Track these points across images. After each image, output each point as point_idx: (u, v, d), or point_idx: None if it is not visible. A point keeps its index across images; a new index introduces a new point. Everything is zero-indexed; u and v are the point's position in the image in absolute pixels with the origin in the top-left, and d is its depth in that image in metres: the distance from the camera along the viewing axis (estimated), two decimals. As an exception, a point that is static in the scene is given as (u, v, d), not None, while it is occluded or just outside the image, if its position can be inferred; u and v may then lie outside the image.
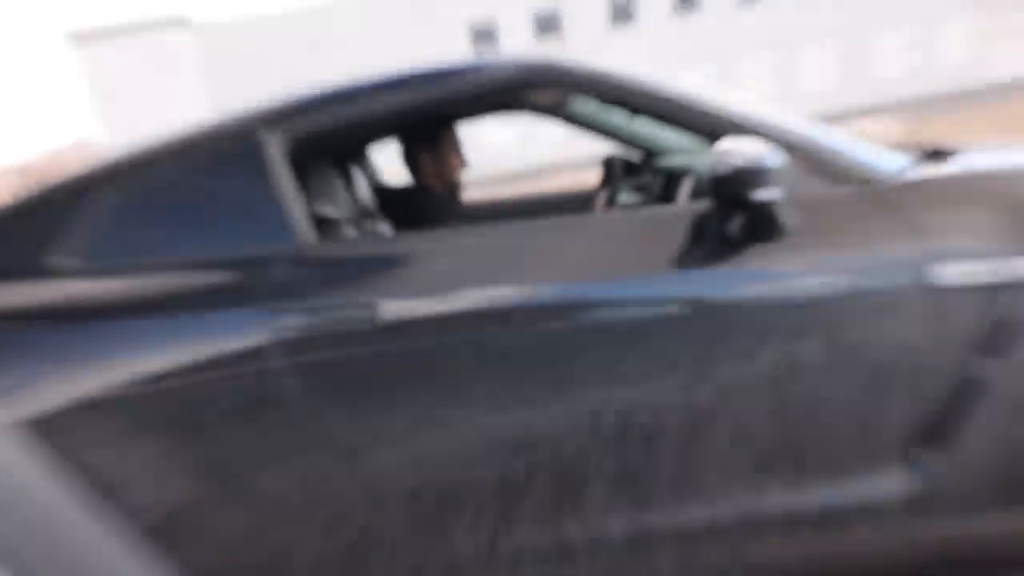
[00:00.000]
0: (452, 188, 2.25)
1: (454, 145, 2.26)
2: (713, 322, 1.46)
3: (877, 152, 1.65)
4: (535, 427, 1.45)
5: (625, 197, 2.36)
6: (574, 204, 2.70)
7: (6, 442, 0.19)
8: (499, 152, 24.53)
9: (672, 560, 1.50)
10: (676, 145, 2.05)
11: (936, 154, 1.86)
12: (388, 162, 26.84)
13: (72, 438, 1.41)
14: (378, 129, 1.71)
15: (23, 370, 1.42)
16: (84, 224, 1.53)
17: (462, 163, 2.27)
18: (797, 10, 30.49)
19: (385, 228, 2.15)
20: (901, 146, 2.06)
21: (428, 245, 1.55)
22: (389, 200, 2.39)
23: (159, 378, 1.42)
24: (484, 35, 30.09)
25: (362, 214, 2.13)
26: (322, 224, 1.78)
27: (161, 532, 1.44)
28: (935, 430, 1.48)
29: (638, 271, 1.48)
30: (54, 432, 1.40)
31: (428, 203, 2.22)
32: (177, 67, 30.01)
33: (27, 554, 0.20)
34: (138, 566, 0.21)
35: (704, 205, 1.51)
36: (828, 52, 30.96)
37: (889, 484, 1.49)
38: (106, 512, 1.32)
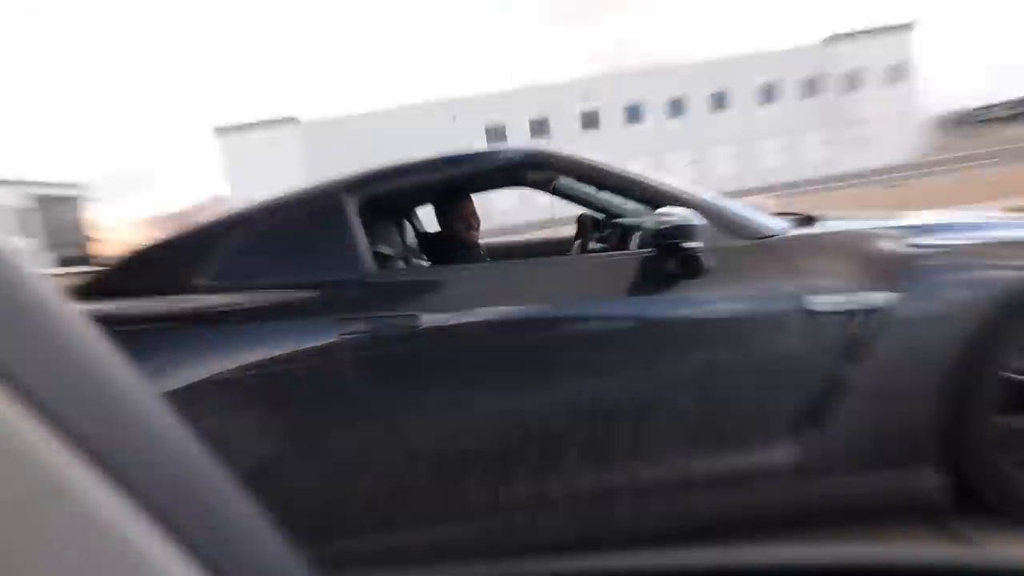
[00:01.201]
0: (470, 236, 2.21)
1: (471, 208, 2.22)
2: (654, 334, 1.41)
3: (766, 217, 1.62)
4: (527, 408, 1.39)
5: (593, 245, 2.32)
6: (556, 249, 2.66)
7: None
8: (504, 212, 24.64)
9: (625, 509, 1.42)
10: (628, 209, 2.03)
11: (807, 219, 1.83)
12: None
13: (197, 407, 1.35)
14: (422, 194, 1.67)
15: (168, 357, 1.37)
16: (216, 255, 1.48)
17: (477, 220, 2.23)
18: (707, 122, 30.92)
19: (423, 263, 2.11)
20: (780, 214, 2.03)
21: (453, 275, 1.51)
22: (428, 243, 2.35)
23: (259, 365, 1.37)
24: (495, 133, 30.40)
25: (408, 252, 2.09)
26: (380, 258, 1.73)
27: (254, 476, 1.37)
28: (812, 414, 1.42)
29: (601, 297, 1.44)
30: (185, 401, 1.35)
31: (453, 246, 2.18)
32: (286, 154, 30.08)
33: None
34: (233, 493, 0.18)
35: (648, 252, 1.47)
36: (728, 150, 31.35)
37: (781, 453, 1.42)
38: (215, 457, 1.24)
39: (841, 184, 18.42)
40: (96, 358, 0.15)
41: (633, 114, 31.30)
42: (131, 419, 0.15)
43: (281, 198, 1.56)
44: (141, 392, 0.17)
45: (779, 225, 1.57)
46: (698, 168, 30.86)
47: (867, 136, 29.47)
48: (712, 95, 31.03)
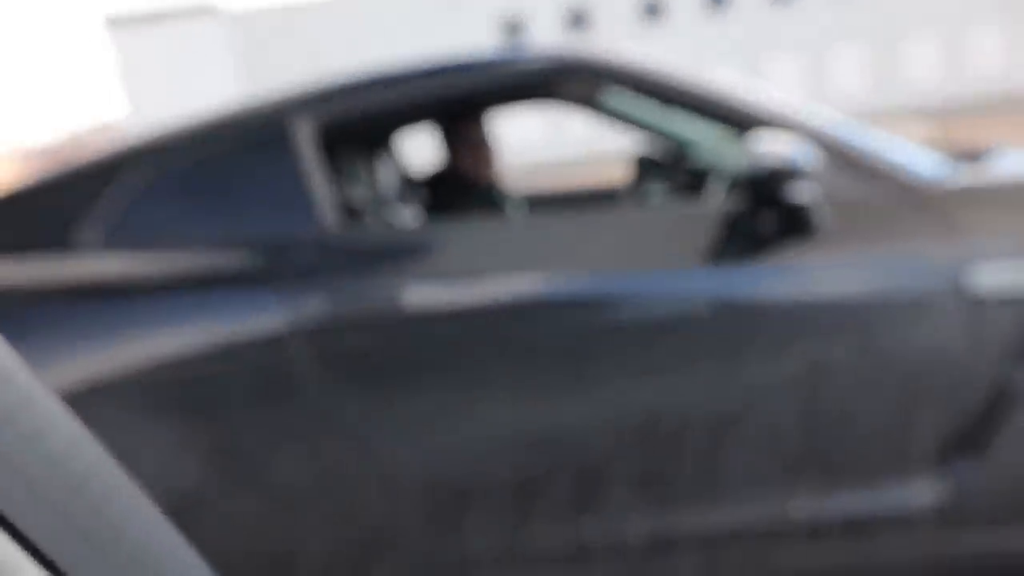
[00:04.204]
0: (480, 175, 2.23)
1: (480, 135, 2.23)
2: (742, 321, 1.44)
3: (915, 153, 1.61)
4: (558, 423, 1.43)
5: (655, 193, 2.33)
6: (603, 200, 2.67)
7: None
8: (522, 145, 24.53)
9: (693, 564, 1.47)
10: (708, 140, 2.03)
11: (973, 156, 1.81)
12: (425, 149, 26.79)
13: (85, 420, 1.41)
14: (409, 117, 1.70)
15: (38, 343, 1.42)
16: (109, 201, 1.53)
17: (490, 153, 2.25)
18: (825, 8, 30.09)
19: (412, 216, 2.14)
20: (935, 149, 2.01)
21: (453, 235, 1.54)
22: (418, 188, 2.37)
23: (174, 360, 1.41)
24: (513, 28, 30.06)
25: (388, 201, 2.12)
26: (348, 210, 1.77)
27: (172, 518, 1.43)
28: (969, 439, 1.44)
29: (666, 267, 1.47)
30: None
31: (455, 191, 2.20)
32: (205, 55, 30.13)
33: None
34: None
35: (735, 202, 1.49)
36: (858, 53, 30.55)
37: (920, 493, 1.45)
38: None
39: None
40: None
41: (717, -2, 30.63)
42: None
43: (202, 122, 1.60)
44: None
45: (933, 165, 1.57)
46: (812, 79, 30.20)
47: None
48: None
